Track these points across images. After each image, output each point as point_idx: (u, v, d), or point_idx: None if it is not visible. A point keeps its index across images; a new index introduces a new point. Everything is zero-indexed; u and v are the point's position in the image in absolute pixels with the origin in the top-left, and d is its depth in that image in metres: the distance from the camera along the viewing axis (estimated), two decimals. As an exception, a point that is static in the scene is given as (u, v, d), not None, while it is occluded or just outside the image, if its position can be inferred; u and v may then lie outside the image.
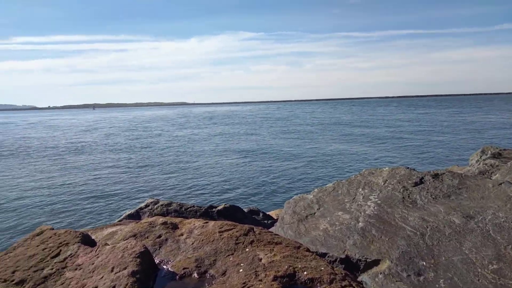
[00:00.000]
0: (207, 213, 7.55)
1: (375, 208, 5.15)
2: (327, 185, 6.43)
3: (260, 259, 2.93)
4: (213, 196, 14.09)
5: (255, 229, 3.47)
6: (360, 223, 4.86)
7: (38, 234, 3.72)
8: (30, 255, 3.35)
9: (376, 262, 4.17)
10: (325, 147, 26.42)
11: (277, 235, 3.48)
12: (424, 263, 3.95)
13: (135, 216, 7.64)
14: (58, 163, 23.00)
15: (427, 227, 4.48)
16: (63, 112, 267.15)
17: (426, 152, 22.66)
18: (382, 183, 5.79)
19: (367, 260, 4.19)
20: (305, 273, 2.69)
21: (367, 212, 5.07)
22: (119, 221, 7.17)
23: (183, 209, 7.63)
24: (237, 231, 3.39)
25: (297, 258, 2.95)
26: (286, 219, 5.74)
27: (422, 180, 5.65)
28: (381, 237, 4.51)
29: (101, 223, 10.84)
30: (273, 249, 3.09)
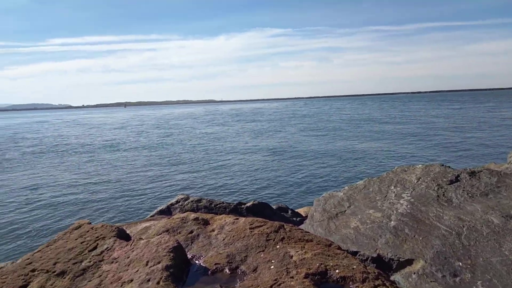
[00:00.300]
0: (236, 210, 7.62)
1: (408, 206, 5.03)
2: (358, 182, 6.33)
3: (291, 256, 2.93)
4: (241, 192, 14.18)
5: (285, 226, 3.47)
6: (392, 222, 4.76)
7: (76, 228, 3.88)
8: (70, 248, 3.50)
9: (409, 262, 4.07)
10: (355, 144, 26.00)
11: (308, 232, 3.46)
12: (461, 264, 3.82)
13: (166, 211, 7.81)
14: (94, 159, 23.86)
15: (464, 226, 4.33)
16: (96, 111, 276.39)
17: (461, 149, 21.86)
18: (415, 181, 5.65)
19: (400, 259, 4.10)
20: (337, 271, 2.66)
21: (399, 211, 4.96)
22: (151, 216, 7.36)
23: (212, 205, 7.73)
24: (267, 228, 3.40)
25: (328, 256, 2.93)
26: (316, 216, 5.70)
27: (458, 178, 5.46)
28: (414, 236, 4.40)
29: (133, 218, 11.17)
30: (304, 247, 3.08)
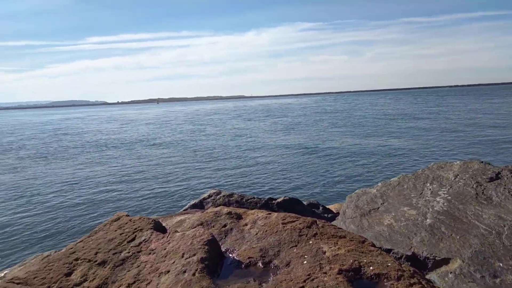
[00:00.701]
0: (267, 205, 7.66)
1: (445, 204, 4.89)
2: (392, 179, 6.21)
3: (324, 252, 2.93)
4: (272, 188, 14.22)
5: (318, 222, 3.48)
6: (428, 220, 4.65)
7: (115, 220, 4.04)
8: (110, 239, 3.66)
9: (445, 261, 3.97)
10: (388, 140, 25.39)
11: (341, 228, 3.45)
12: (501, 264, 3.69)
13: (199, 205, 7.98)
14: (131, 154, 24.72)
15: (504, 225, 4.17)
16: (131, 107, 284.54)
17: (502, 146, 20.87)
18: (453, 178, 5.47)
19: (436, 258, 4.01)
20: (371, 268, 2.64)
21: (435, 208, 4.83)
22: (184, 210, 7.54)
23: (243, 200, 7.81)
24: (300, 223, 3.41)
25: (362, 252, 2.91)
26: (348, 213, 5.65)
27: (499, 175, 5.25)
28: (451, 234, 4.28)
29: (167, 211, 11.50)
30: (337, 243, 3.07)
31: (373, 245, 3.12)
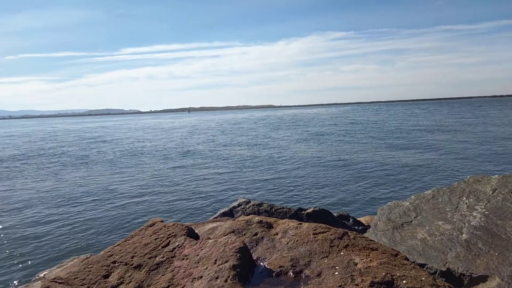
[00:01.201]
0: (297, 215, 7.65)
1: (482, 219, 4.73)
2: (425, 192, 6.07)
3: (356, 264, 2.92)
4: (301, 198, 14.14)
5: (349, 233, 3.46)
6: (464, 235, 4.51)
7: (150, 225, 4.19)
8: (145, 244, 3.79)
9: (483, 278, 3.84)
10: (422, 152, 24.69)
11: (373, 241, 3.42)
12: (543, 284, 3.53)
13: (229, 214, 8.08)
14: (165, 162, 25.41)
15: (547, 244, 3.98)
16: (163, 115, 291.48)
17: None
18: (491, 192, 5.29)
19: (473, 275, 3.88)
20: (404, 281, 2.61)
21: (472, 223, 4.68)
22: (214, 218, 7.65)
23: (273, 210, 7.84)
24: (331, 234, 3.42)
25: (395, 265, 2.88)
26: (380, 225, 5.56)
27: (541, 191, 5.02)
28: (489, 251, 4.13)
29: (197, 218, 11.69)
30: (369, 255, 3.05)
31: (406, 259, 3.07)
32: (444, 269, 4.10)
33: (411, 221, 5.34)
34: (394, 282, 2.63)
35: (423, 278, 2.66)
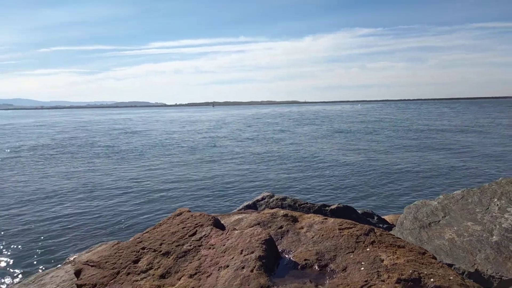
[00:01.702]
0: (320, 211, 7.63)
1: (514, 221, 4.59)
2: (455, 192, 5.93)
3: (382, 260, 2.91)
4: (325, 194, 14.08)
5: (376, 230, 3.45)
6: (494, 237, 4.40)
7: (178, 215, 4.30)
8: (173, 232, 3.90)
9: (513, 282, 3.74)
10: (450, 151, 24.01)
11: (399, 238, 3.39)
12: None
13: (252, 207, 8.13)
14: (193, 154, 25.95)
15: None
16: (188, 109, 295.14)
17: None
18: (524, 195, 5.12)
19: (503, 277, 3.79)
20: (431, 279, 2.59)
21: (503, 226, 4.55)
22: (238, 210, 7.74)
23: (296, 204, 7.84)
24: (357, 230, 3.41)
25: (422, 264, 2.85)
26: (406, 224, 5.49)
27: None
28: (521, 254, 4.02)
29: (221, 209, 11.88)
30: (395, 252, 3.04)
31: (434, 258, 3.04)
32: (472, 270, 4.02)
33: (439, 220, 5.25)
34: (422, 279, 2.61)
35: (451, 277, 2.63)
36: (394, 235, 3.45)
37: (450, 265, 4.13)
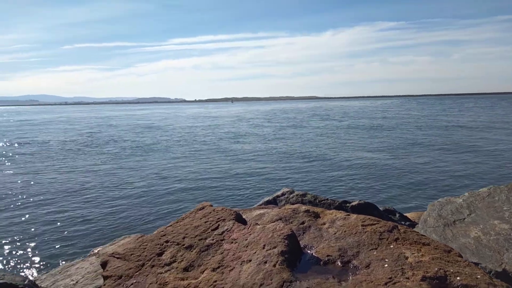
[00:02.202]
0: (341, 207, 7.56)
1: (545, 220, 4.45)
2: (480, 190, 5.78)
3: (407, 258, 2.88)
4: (346, 191, 13.96)
5: (399, 227, 3.40)
6: (523, 236, 4.28)
7: (200, 209, 4.35)
8: (195, 226, 3.96)
9: (543, 282, 3.63)
10: (475, 148, 23.37)
11: (424, 235, 3.34)
12: None
13: (272, 202, 8.14)
14: (214, 150, 26.26)
15: None
16: (208, 105, 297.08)
17: None
18: (555, 193, 4.94)
19: (532, 278, 3.68)
20: (458, 278, 2.54)
21: (533, 224, 4.42)
22: (259, 205, 7.76)
23: (317, 201, 7.80)
24: (380, 227, 3.38)
25: (448, 262, 2.80)
26: (430, 222, 5.39)
27: None
28: (551, 254, 3.89)
29: (241, 204, 11.96)
30: (420, 249, 2.99)
31: (460, 256, 2.98)
32: (499, 269, 3.92)
33: (464, 218, 5.13)
34: (448, 278, 2.56)
35: (479, 276, 2.57)
36: (418, 232, 3.40)
37: (476, 264, 4.04)
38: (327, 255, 3.13)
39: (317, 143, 28.06)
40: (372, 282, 2.63)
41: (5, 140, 36.84)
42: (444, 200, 5.85)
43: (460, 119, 51.21)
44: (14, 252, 9.13)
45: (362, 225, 3.45)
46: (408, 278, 2.59)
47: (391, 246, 3.07)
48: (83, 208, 12.42)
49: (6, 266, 8.35)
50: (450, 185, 14.54)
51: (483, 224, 4.81)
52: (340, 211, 4.07)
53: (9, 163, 22.07)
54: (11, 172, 19.32)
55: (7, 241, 9.77)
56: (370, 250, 3.10)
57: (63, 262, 8.14)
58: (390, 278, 2.62)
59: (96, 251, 6.44)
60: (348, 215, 3.77)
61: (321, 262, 3.08)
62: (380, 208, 8.20)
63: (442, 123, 43.75)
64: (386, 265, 2.81)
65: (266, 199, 8.37)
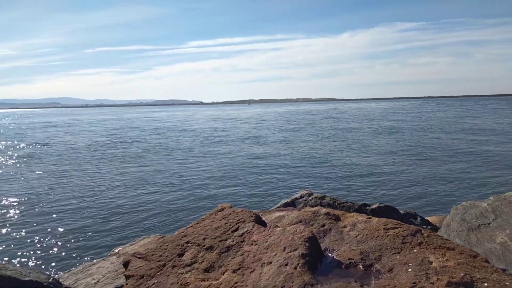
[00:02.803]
0: (360, 210, 7.46)
1: None
2: (507, 193, 5.61)
3: (431, 262, 2.82)
4: (366, 193, 13.78)
5: (423, 231, 3.34)
6: (552, 242, 4.13)
7: (220, 210, 4.37)
8: (216, 227, 3.98)
9: None
10: (499, 151, 22.73)
11: (448, 240, 3.26)
12: None
13: (290, 204, 8.10)
14: (234, 151, 26.44)
15: None
16: (225, 107, 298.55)
17: None
18: None
19: (562, 285, 3.55)
20: (485, 284, 2.47)
21: (563, 230, 4.26)
22: (277, 207, 7.74)
23: (336, 203, 7.72)
24: (403, 231, 3.32)
25: (474, 267, 2.73)
26: (453, 226, 5.27)
27: None
28: None
29: (259, 207, 11.95)
30: (445, 254, 2.93)
31: (487, 261, 2.90)
32: (527, 276, 3.79)
33: (489, 223, 5.00)
34: (474, 284, 2.50)
35: (507, 283, 2.49)
36: (442, 237, 3.33)
37: (503, 270, 3.92)
38: (349, 259, 3.10)
39: (334, 145, 27.84)
40: (395, 286, 2.59)
41: (30, 141, 37.98)
42: (468, 204, 5.71)
43: (485, 120, 49.93)
44: (37, 251, 9.37)
45: (384, 229, 3.40)
46: (433, 283, 2.54)
47: (415, 250, 3.01)
48: (104, 208, 12.66)
49: (31, 264, 8.58)
50: (473, 189, 14.18)
51: (509, 229, 4.67)
52: (361, 214, 4.02)
53: (36, 164, 22.74)
54: (39, 172, 19.90)
55: (32, 240, 10.05)
56: (393, 254, 3.05)
57: (84, 261, 8.30)
58: (414, 282, 2.58)
59: (116, 250, 6.55)
60: (370, 218, 3.73)
61: (343, 266, 3.04)
62: (401, 212, 8.06)
63: (464, 126, 42.69)
64: (409, 270, 2.76)
65: (284, 201, 8.33)
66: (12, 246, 9.66)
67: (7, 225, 11.27)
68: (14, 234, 10.50)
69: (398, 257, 2.98)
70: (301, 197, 8.21)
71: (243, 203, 12.75)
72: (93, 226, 11.00)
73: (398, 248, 3.08)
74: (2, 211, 12.73)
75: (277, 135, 36.99)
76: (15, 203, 13.66)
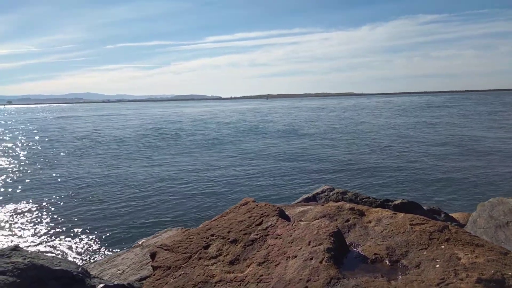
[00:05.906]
0: (383, 206, 7.37)
1: None
2: (537, 190, 5.45)
3: (459, 259, 2.78)
4: (388, 189, 13.62)
5: (450, 227, 3.29)
6: None
7: (243, 204, 4.41)
8: (240, 221, 4.02)
9: None
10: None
11: (477, 236, 3.21)
12: None
13: (311, 199, 8.07)
14: (259, 144, 26.62)
15: None
16: (244, 101, 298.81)
17: None
18: None
19: None
20: (517, 282, 2.43)
21: None
22: (298, 202, 7.73)
23: (358, 199, 7.65)
24: (430, 227, 3.28)
25: (505, 264, 2.68)
26: (480, 223, 5.16)
27: None
28: None
29: (280, 200, 12.00)
30: (474, 251, 2.88)
31: (518, 259, 2.83)
32: (559, 275, 3.68)
33: (519, 220, 4.87)
34: (506, 281, 2.45)
35: (540, 281, 2.44)
36: (470, 233, 3.27)
37: (533, 269, 3.83)
38: (374, 254, 3.08)
39: (355, 140, 27.55)
40: (423, 282, 2.56)
41: (58, 136, 39.12)
42: (496, 200, 5.57)
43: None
44: (66, 242, 9.69)
45: (410, 224, 3.36)
46: (462, 280, 2.50)
47: (442, 247, 2.98)
48: (130, 200, 12.97)
49: (59, 255, 8.88)
50: (499, 185, 13.81)
51: (540, 226, 4.55)
52: (386, 209, 3.99)
53: (68, 157, 23.49)
54: (72, 165, 20.55)
55: (60, 231, 10.39)
56: (419, 249, 3.02)
57: (110, 253, 8.53)
58: (442, 279, 2.55)
59: (140, 242, 6.70)
60: (395, 213, 3.69)
61: (368, 261, 3.04)
62: (424, 208, 7.93)
63: (501, 123, 40.88)
64: (437, 266, 2.73)
65: (305, 196, 8.31)
66: (45, 237, 10.04)
67: (42, 216, 11.71)
68: (47, 225, 10.90)
69: (425, 253, 2.95)
70: (323, 192, 8.17)
71: (264, 197, 12.82)
72: (118, 218, 11.29)
73: (425, 244, 3.05)
74: (39, 201, 13.23)
75: (294, 130, 36.92)
76: (53, 193, 14.23)
